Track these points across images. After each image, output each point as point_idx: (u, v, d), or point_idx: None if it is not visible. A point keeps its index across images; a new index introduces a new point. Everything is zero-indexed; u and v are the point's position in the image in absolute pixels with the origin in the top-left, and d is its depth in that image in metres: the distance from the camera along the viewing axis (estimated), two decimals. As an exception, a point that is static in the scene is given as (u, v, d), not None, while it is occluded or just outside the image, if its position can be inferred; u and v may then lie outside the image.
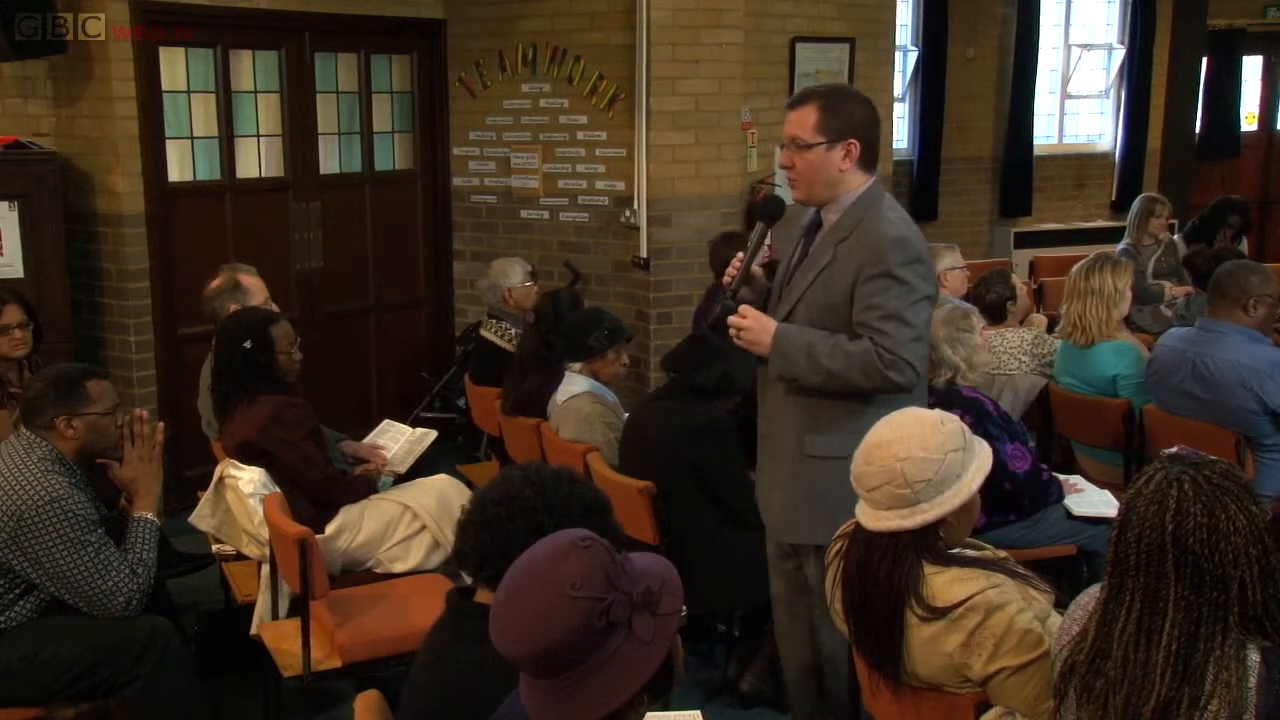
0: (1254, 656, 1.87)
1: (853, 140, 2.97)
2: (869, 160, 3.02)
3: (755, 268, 3.14)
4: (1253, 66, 10.47)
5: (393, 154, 6.88)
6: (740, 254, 3.12)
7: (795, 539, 3.19)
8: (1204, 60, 9.77)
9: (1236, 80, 10.21)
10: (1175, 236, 7.46)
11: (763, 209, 3.17)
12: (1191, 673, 1.86)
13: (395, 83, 6.83)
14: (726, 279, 3.10)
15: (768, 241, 3.18)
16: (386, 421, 4.81)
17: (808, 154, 2.97)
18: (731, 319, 3.01)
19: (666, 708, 1.78)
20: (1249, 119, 10.55)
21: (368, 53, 6.61)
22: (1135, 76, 9.46)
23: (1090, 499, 4.13)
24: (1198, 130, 9.94)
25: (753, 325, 2.98)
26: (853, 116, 2.98)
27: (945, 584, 2.32)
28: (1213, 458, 1.95)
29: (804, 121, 2.97)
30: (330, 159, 6.54)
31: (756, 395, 3.20)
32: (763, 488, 3.26)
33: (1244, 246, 7.42)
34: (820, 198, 3.03)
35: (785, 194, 6.64)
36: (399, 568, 3.91)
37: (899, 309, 2.89)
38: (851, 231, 2.98)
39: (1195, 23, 9.47)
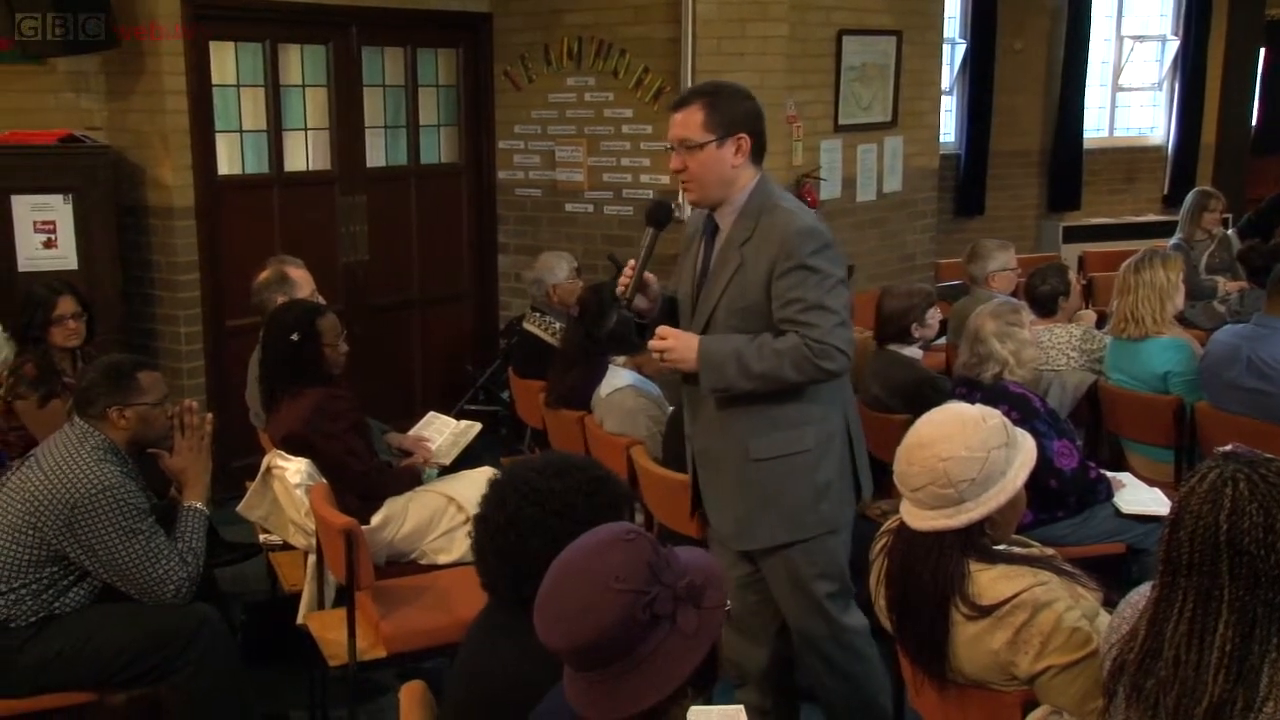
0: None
1: (742, 135, 2.93)
2: (758, 154, 2.99)
3: (648, 274, 3.06)
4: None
5: (438, 147, 6.92)
6: (631, 261, 3.02)
7: (755, 545, 3.12)
8: (1261, 51, 9.59)
9: (1294, 72, 10.04)
10: (1229, 231, 7.35)
11: (651, 214, 3.08)
12: (1246, 674, 1.83)
13: (441, 76, 6.87)
14: (620, 288, 3.00)
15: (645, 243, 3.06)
16: (431, 414, 4.82)
17: (699, 154, 2.92)
18: (653, 342, 2.96)
19: (710, 702, 1.78)
20: (1306, 112, 10.36)
21: (414, 47, 6.65)
22: (1189, 68, 9.32)
23: (1140, 497, 4.08)
24: (1254, 123, 9.77)
25: (675, 345, 2.93)
26: (737, 111, 2.95)
27: (991, 581, 2.30)
28: (1268, 456, 1.92)
29: (690, 122, 2.92)
30: (376, 152, 6.59)
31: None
32: (708, 502, 3.19)
33: (1299, 241, 7.29)
34: (715, 198, 2.98)
35: (829, 187, 6.65)
36: (443, 559, 3.93)
37: (819, 298, 2.86)
38: (754, 231, 2.94)
39: (1253, 13, 9.30)
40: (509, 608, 2.10)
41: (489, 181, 7.03)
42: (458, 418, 4.92)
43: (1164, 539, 1.94)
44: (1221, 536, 1.85)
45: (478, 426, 4.65)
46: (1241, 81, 9.49)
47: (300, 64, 6.21)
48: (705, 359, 2.91)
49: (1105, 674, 2.04)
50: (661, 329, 2.98)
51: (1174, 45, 9.43)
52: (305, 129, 6.27)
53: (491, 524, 2.13)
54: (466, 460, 4.47)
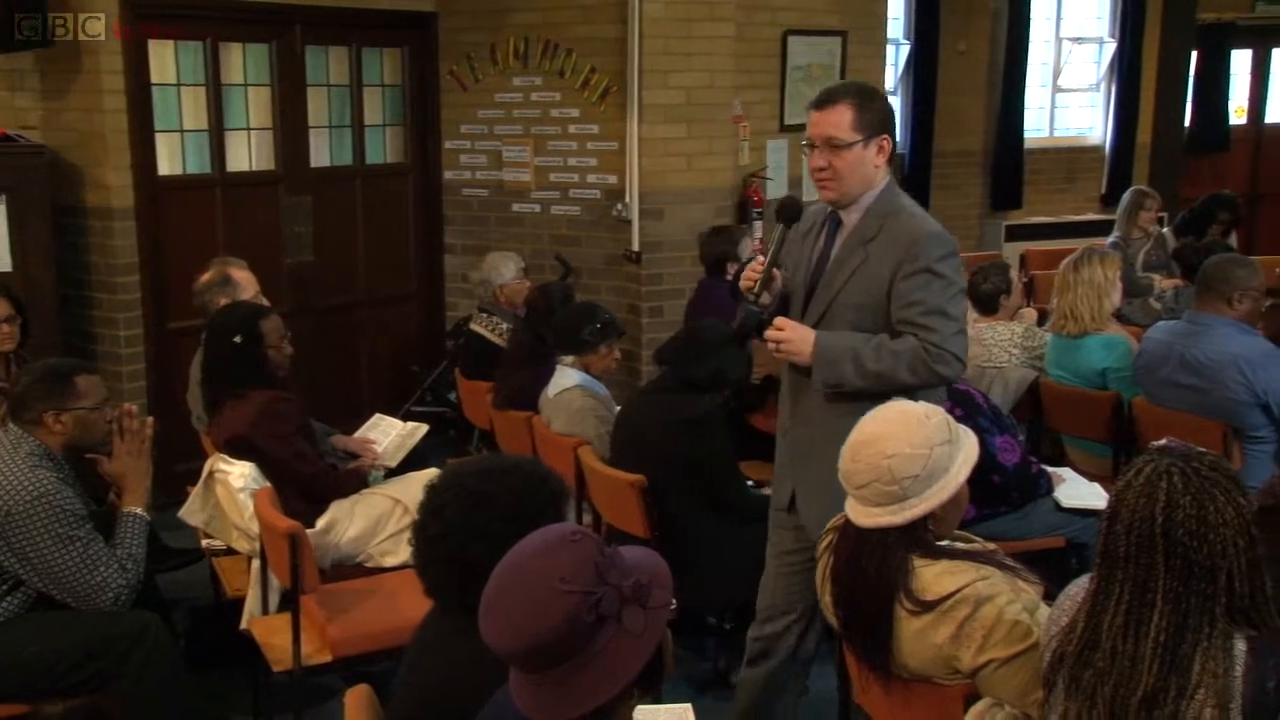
0: (1240, 646, 1.88)
1: (885, 136, 2.96)
2: (891, 158, 3.03)
3: (775, 270, 3.07)
4: (1242, 60, 10.46)
5: (384, 147, 6.86)
6: (759, 258, 3.06)
7: None
8: (1193, 54, 9.77)
9: (1225, 74, 10.22)
10: (1164, 230, 7.47)
11: (782, 211, 3.13)
12: (1179, 663, 1.86)
13: (386, 76, 6.81)
14: (746, 284, 3.02)
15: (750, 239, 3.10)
16: (377, 416, 4.79)
17: (846, 153, 2.92)
18: (770, 333, 2.96)
19: (658, 701, 1.78)
20: (1238, 113, 10.56)
21: (359, 46, 6.59)
22: (1125, 70, 9.46)
23: (1079, 491, 4.14)
24: (1187, 124, 9.95)
25: (792, 337, 2.93)
26: (883, 113, 2.98)
27: (935, 576, 2.32)
28: (1201, 449, 1.95)
29: (839, 121, 2.92)
30: (321, 152, 6.52)
31: (748, 389, 3.15)
32: (802, 492, 3.14)
33: (1233, 241, 7.43)
34: (854, 197, 2.99)
35: (776, 187, 6.68)
36: (390, 562, 3.90)
37: (941, 303, 2.88)
38: (879, 231, 2.96)
39: (1185, 16, 9.47)
40: (454, 612, 2.08)
41: (435, 181, 6.98)
42: (404, 419, 4.89)
43: (1102, 532, 1.97)
44: (1157, 529, 1.88)
45: (424, 428, 4.62)
46: (1175, 83, 9.66)
47: (243, 63, 6.13)
48: (821, 354, 2.91)
49: (1045, 666, 2.06)
50: (779, 320, 2.98)
51: (1111, 47, 9.57)
52: (248, 129, 6.19)
53: (430, 531, 2.11)
54: (413, 462, 4.45)
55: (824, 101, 2.97)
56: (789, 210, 3.11)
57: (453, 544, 2.07)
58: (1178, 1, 9.42)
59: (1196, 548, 1.86)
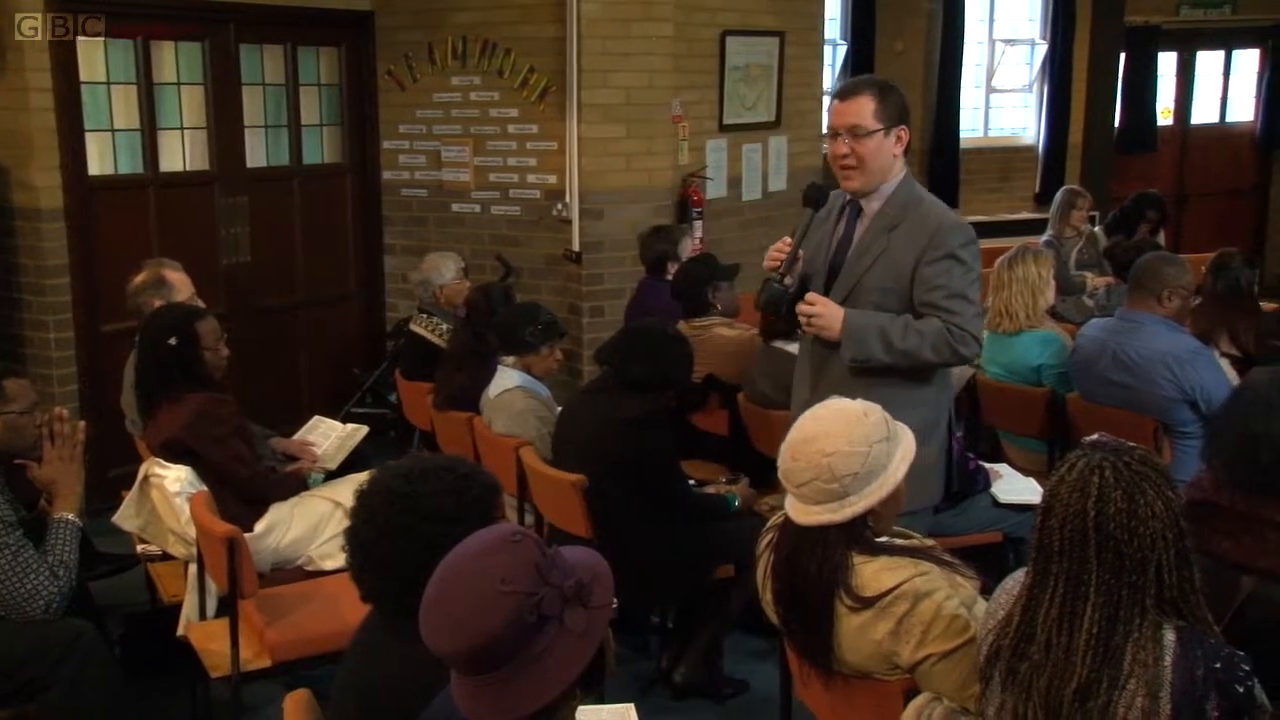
0: (1169, 636, 1.91)
1: (903, 127, 3.12)
2: (908, 150, 3.18)
3: (799, 252, 3.21)
4: (1167, 63, 10.68)
5: (321, 147, 6.79)
6: (785, 239, 3.22)
7: None
8: (1122, 56, 9.96)
9: (1153, 76, 10.42)
10: (1096, 228, 7.61)
11: (809, 196, 3.26)
12: (1111, 654, 1.90)
13: (323, 75, 6.74)
14: (772, 263, 3.18)
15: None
16: (317, 418, 4.74)
17: (868, 141, 3.08)
18: (801, 306, 3.11)
19: (601, 701, 1.78)
20: (1165, 114, 10.77)
21: (294, 45, 6.51)
22: (1057, 71, 9.61)
23: (1016, 486, 4.20)
24: (1117, 124, 10.14)
25: (823, 312, 3.08)
26: (901, 105, 3.14)
27: (874, 573, 2.33)
28: (1131, 444, 1.99)
29: (861, 110, 3.08)
30: (257, 152, 6.43)
31: (689, 388, 3.17)
32: None
33: (1161, 239, 7.59)
34: (874, 184, 3.14)
35: (715, 187, 6.70)
36: (330, 565, 3.86)
37: (963, 288, 3.07)
38: (901, 219, 3.12)
39: (1113, 19, 9.65)
40: (391, 616, 2.07)
41: (374, 182, 6.92)
42: (344, 421, 4.86)
43: (1036, 527, 1.99)
44: (1089, 523, 1.91)
45: (364, 430, 4.59)
46: (1105, 84, 9.84)
47: (175, 61, 6.03)
48: (850, 330, 3.07)
49: (982, 659, 2.09)
50: (811, 295, 3.13)
51: (1042, 49, 9.72)
52: (181, 128, 6.09)
53: (363, 537, 2.10)
54: (354, 464, 4.41)
55: (847, 93, 3.14)
56: (816, 195, 3.25)
57: (384, 548, 2.05)
58: (1106, 5, 9.60)
59: (1127, 541, 1.89)
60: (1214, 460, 2.89)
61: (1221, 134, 11.05)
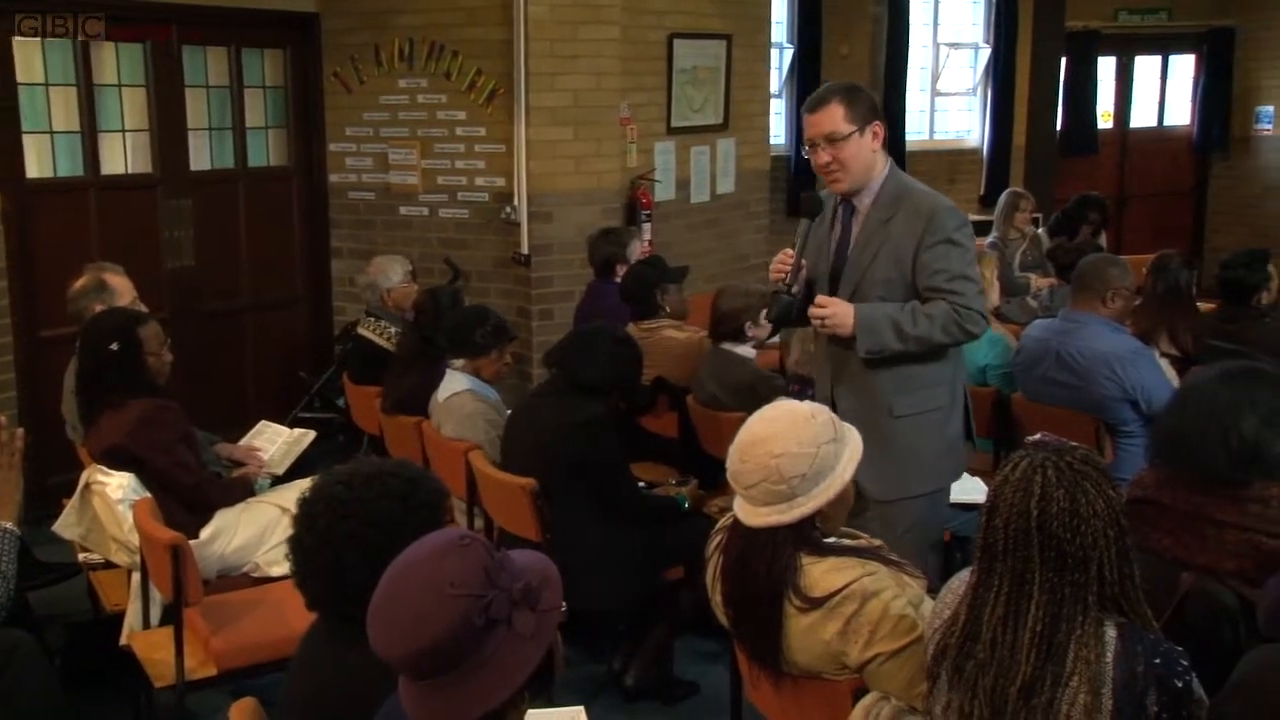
0: (1110, 633, 1.94)
1: (876, 123, 3.24)
2: (886, 143, 3.31)
3: (802, 261, 3.31)
4: (1107, 67, 10.87)
5: (266, 150, 6.71)
6: (785, 251, 3.32)
7: (898, 495, 3.33)
8: (1063, 60, 10.11)
9: (1093, 80, 10.60)
10: (1040, 230, 7.71)
11: (805, 207, 3.37)
12: (1055, 652, 1.92)
13: (268, 77, 6.66)
14: (777, 274, 3.29)
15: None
16: (263, 423, 4.71)
17: (846, 145, 3.20)
18: (812, 310, 3.21)
19: (550, 704, 1.77)
20: (1105, 117, 10.96)
21: (238, 46, 6.43)
22: (1000, 75, 9.74)
23: (962, 486, 4.23)
24: (1059, 127, 10.30)
25: (835, 311, 3.19)
26: (869, 103, 3.27)
27: (822, 573, 2.35)
28: (1073, 444, 2.02)
29: (833, 117, 3.21)
30: (201, 155, 6.35)
31: (638, 390, 3.23)
32: None
33: (1103, 240, 7.71)
34: (861, 183, 3.27)
35: (664, 189, 6.72)
36: (277, 571, 3.82)
37: (963, 268, 3.20)
38: (896, 210, 3.24)
39: (1054, 24, 9.79)
40: (336, 622, 2.05)
41: (320, 185, 6.86)
42: (291, 426, 4.83)
43: (981, 526, 2.02)
44: (1033, 523, 1.93)
45: (311, 434, 4.56)
46: (1047, 87, 9.98)
47: (116, 63, 5.94)
48: (863, 324, 3.18)
49: (929, 658, 2.11)
50: (820, 298, 3.24)
51: (986, 53, 9.84)
52: (123, 130, 5.99)
53: (305, 544, 2.07)
54: (301, 469, 4.38)
55: (815, 104, 3.27)
56: (811, 205, 3.37)
57: (328, 554, 2.03)
58: (1047, 9, 9.73)
59: (1070, 539, 1.92)
60: (1157, 459, 2.94)
61: (1160, 137, 11.26)
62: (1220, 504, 2.74)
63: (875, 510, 3.35)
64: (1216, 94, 10.83)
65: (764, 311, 4.59)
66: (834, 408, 3.30)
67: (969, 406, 3.46)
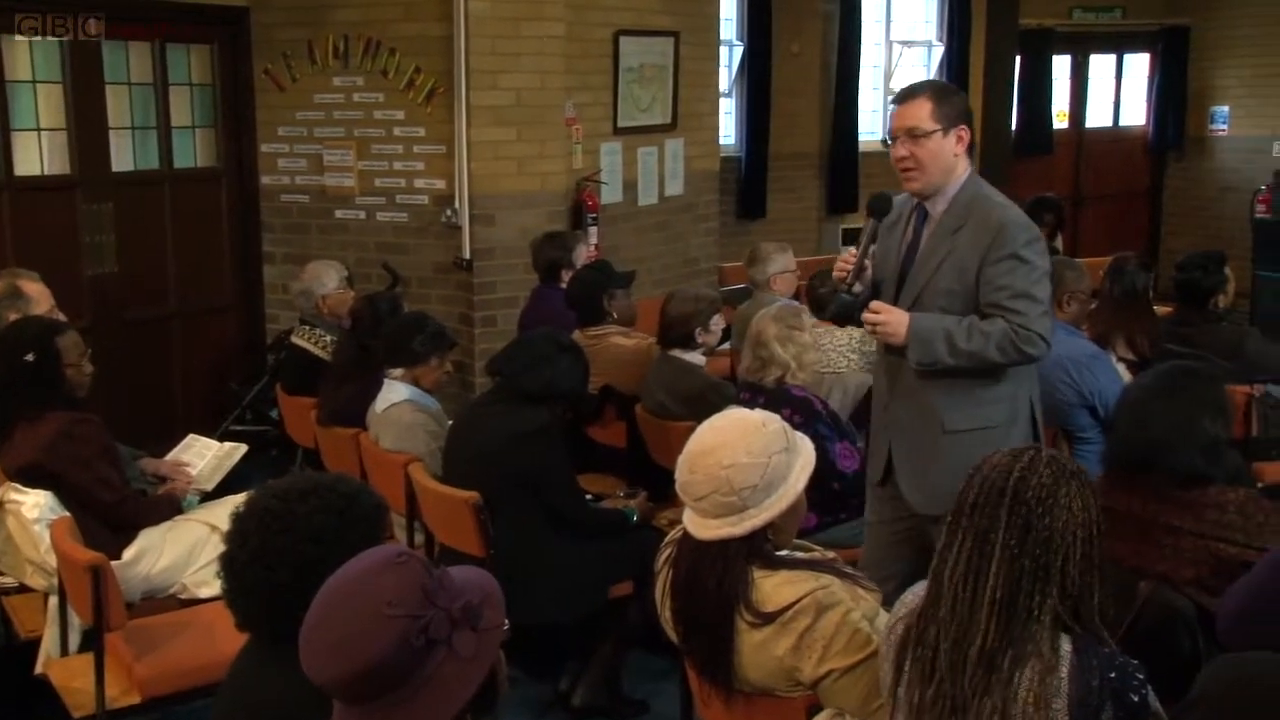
0: (1066, 646, 1.97)
1: (963, 127, 3.24)
2: (971, 149, 3.30)
3: (866, 262, 3.33)
4: (1061, 66, 11.03)
5: (194, 150, 6.63)
6: (851, 250, 3.35)
7: (935, 510, 3.27)
8: (1017, 58, 10.25)
9: (1047, 79, 10.76)
10: (995, 232, 7.79)
11: (872, 205, 3.37)
12: (1013, 628, 1.96)
13: (195, 74, 6.58)
14: (840, 274, 3.32)
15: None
16: (191, 436, 4.67)
17: (927, 142, 3.20)
18: (866, 315, 3.23)
19: (497, 721, 1.77)
20: (1060, 117, 11.12)
21: (163, 42, 6.35)
22: (954, 73, 9.85)
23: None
24: (1013, 127, 10.44)
25: (888, 319, 3.19)
26: (960, 105, 3.27)
27: (774, 587, 2.35)
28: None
29: (919, 112, 3.20)
30: (124, 155, 6.26)
31: (584, 399, 3.22)
32: (902, 470, 3.39)
33: (1059, 242, 7.82)
34: (936, 185, 3.25)
35: (611, 191, 6.73)
36: (205, 593, 3.77)
37: (1027, 287, 3.16)
38: (966, 220, 3.23)
39: (1008, 22, 9.93)
40: (268, 644, 2.02)
41: (251, 187, 6.78)
42: (222, 439, 4.80)
43: (960, 491, 2.07)
44: (1009, 484, 2.00)
45: (243, 448, 4.53)
46: (1001, 87, 10.12)
47: (30, 58, 5.83)
48: (916, 334, 3.18)
49: (894, 649, 2.12)
50: (875, 304, 3.25)
51: (939, 51, 9.97)
52: (38, 129, 5.89)
53: (237, 561, 2.04)
54: (232, 485, 4.34)
55: (905, 96, 3.28)
56: (879, 205, 3.36)
57: (260, 571, 2.00)
58: (1001, 7, 9.87)
59: (1040, 515, 1.98)
60: (1115, 467, 3.00)
61: (1115, 137, 11.46)
62: (1177, 511, 2.80)
63: (912, 522, 3.38)
64: (1171, 93, 11.04)
65: (714, 318, 4.61)
66: (888, 416, 3.42)
67: (1038, 426, 3.42)
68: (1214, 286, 5.03)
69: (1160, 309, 5.42)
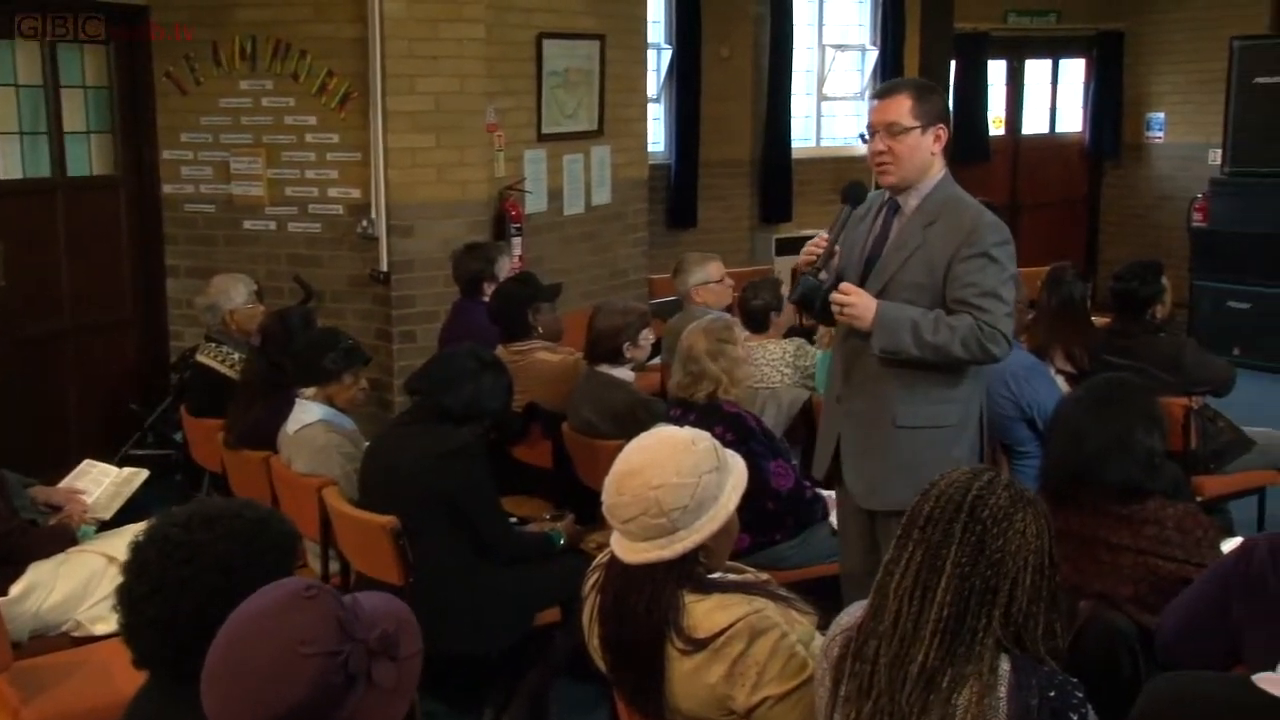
0: (1004, 666, 2.00)
1: (941, 126, 3.40)
2: (948, 149, 3.46)
3: (836, 248, 3.45)
4: (997, 71, 11.23)
5: (89, 157, 6.51)
6: (821, 234, 3.47)
7: (883, 506, 3.44)
8: (952, 63, 10.41)
9: (983, 84, 10.95)
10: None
11: (847, 193, 3.51)
12: (956, 650, 1.98)
13: (89, 76, 6.46)
14: (807, 258, 3.44)
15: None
16: (87, 462, 4.59)
17: (905, 138, 3.35)
18: (835, 296, 3.34)
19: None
20: (996, 123, 11.31)
21: (53, 41, 6.23)
22: (888, 78, 9.99)
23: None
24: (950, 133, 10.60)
25: (857, 301, 3.32)
26: (940, 105, 3.44)
27: (706, 612, 2.35)
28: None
29: (899, 108, 3.36)
30: (11, 162, 6.13)
31: (508, 418, 3.23)
32: (846, 460, 3.55)
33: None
34: (910, 181, 3.41)
35: (535, 200, 6.74)
36: (102, 629, 3.70)
37: (995, 286, 3.32)
38: (938, 216, 3.38)
39: (942, 25, 10.08)
40: (168, 683, 1.98)
41: (153, 196, 6.68)
42: (121, 464, 4.73)
43: (911, 506, 2.09)
44: (966, 499, 2.03)
45: (144, 474, 4.47)
46: (937, 92, 10.30)
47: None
48: (882, 320, 3.30)
49: (829, 669, 2.13)
50: (846, 285, 3.36)
51: (873, 55, 10.10)
52: (-83, 134, 5.77)
53: (135, 594, 2.00)
54: (132, 513, 4.27)
55: (886, 91, 3.46)
56: (854, 192, 3.51)
57: (160, 604, 1.96)
58: (935, 10, 10.03)
59: (994, 536, 2.01)
60: (1053, 483, 3.06)
61: (1052, 144, 11.68)
62: (1115, 527, 2.86)
63: (856, 520, 3.51)
64: (1107, 99, 11.28)
65: (643, 332, 4.64)
66: (840, 408, 3.54)
67: (985, 432, 3.56)
68: (1151, 297, 5.15)
69: (1099, 320, 5.54)
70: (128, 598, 2.02)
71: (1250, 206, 8.98)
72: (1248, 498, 5.16)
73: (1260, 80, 9.03)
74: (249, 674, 1.57)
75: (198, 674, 1.63)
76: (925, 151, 3.39)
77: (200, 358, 5.45)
